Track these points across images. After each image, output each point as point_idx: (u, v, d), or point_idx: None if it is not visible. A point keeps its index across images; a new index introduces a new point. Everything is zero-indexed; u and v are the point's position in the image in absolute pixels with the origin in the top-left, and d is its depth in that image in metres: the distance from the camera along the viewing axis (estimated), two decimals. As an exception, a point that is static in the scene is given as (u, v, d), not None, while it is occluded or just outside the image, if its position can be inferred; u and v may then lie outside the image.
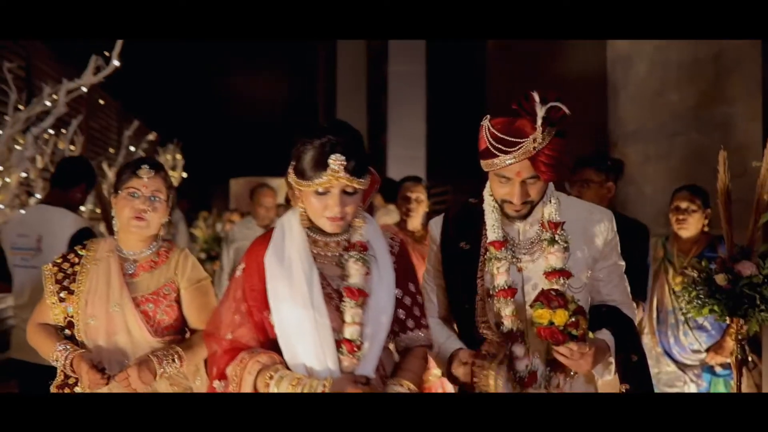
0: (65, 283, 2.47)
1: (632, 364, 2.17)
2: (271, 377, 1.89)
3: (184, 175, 9.21)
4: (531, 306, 2.03)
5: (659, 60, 5.30)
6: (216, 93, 14.23)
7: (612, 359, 2.14)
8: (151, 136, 6.98)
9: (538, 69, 6.08)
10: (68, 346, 2.39)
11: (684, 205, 3.63)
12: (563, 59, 6.14)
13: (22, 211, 3.90)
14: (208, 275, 2.59)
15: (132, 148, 6.07)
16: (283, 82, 14.83)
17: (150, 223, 2.46)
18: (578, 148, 5.70)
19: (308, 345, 1.92)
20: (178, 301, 2.50)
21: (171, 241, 2.67)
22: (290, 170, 1.98)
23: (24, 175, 4.18)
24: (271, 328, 1.98)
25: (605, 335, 2.15)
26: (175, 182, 8.62)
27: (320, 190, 1.92)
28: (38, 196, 4.55)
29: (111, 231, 2.72)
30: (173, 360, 2.38)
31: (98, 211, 5.42)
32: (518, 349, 2.12)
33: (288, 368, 1.94)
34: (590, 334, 2.07)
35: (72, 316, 2.46)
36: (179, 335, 2.51)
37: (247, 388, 1.92)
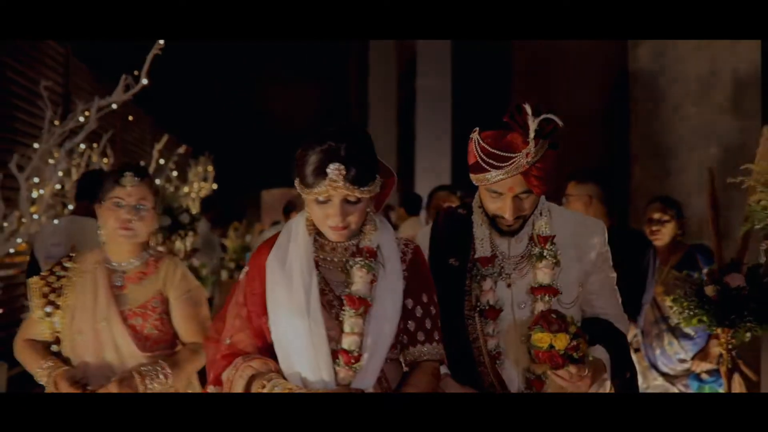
0: (51, 297, 2.36)
1: (626, 380, 2.15)
2: (263, 386, 1.82)
3: (215, 186, 9.43)
4: (530, 329, 1.97)
5: (678, 73, 5.33)
6: (249, 106, 14.47)
7: (607, 377, 2.09)
8: (181, 150, 7.16)
9: (562, 83, 6.14)
10: (51, 364, 2.30)
11: (657, 215, 3.76)
12: (588, 72, 6.19)
13: (56, 221, 4.07)
14: (199, 285, 2.50)
15: (162, 161, 6.26)
16: (315, 95, 15.02)
17: (137, 231, 2.36)
18: (599, 162, 5.76)
19: (303, 354, 1.84)
20: (167, 313, 2.41)
21: (161, 252, 2.57)
22: (295, 174, 1.89)
23: (59, 186, 4.36)
24: (269, 334, 1.91)
25: (601, 353, 2.09)
26: (206, 193, 8.83)
27: (320, 198, 1.83)
28: (71, 207, 4.75)
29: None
30: (158, 376, 2.28)
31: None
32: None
33: (283, 376, 1.86)
34: (590, 356, 2.00)
35: (59, 332, 2.37)
36: (170, 349, 2.42)
37: (238, 392, 1.85)
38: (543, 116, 1.94)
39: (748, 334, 2.37)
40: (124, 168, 2.42)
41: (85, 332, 2.34)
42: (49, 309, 2.37)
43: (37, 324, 2.40)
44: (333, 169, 1.78)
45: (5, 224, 3.91)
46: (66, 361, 2.36)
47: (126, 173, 2.37)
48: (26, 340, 2.42)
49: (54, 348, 2.39)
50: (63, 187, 4.75)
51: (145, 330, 2.36)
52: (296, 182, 1.88)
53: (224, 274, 7.77)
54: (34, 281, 2.41)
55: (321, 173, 1.79)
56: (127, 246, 2.41)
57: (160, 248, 5.39)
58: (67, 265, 2.43)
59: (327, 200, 1.83)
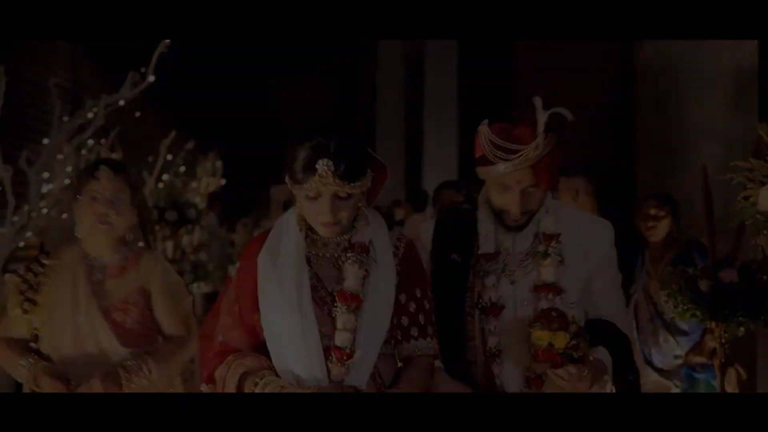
0: (29, 294, 2.32)
1: (628, 382, 2.12)
2: (256, 384, 1.81)
3: (223, 181, 9.48)
4: (530, 326, 1.93)
5: (682, 71, 5.34)
6: (257, 102, 14.53)
7: (608, 378, 2.06)
8: (189, 145, 7.21)
9: (567, 81, 6.15)
10: (31, 360, 2.25)
11: (653, 212, 3.77)
12: (592, 70, 6.20)
13: (65, 216, 4.13)
14: (180, 279, 2.47)
15: (170, 156, 6.31)
16: (324, 92, 15.06)
17: (115, 225, 2.33)
18: (602, 159, 5.77)
19: (295, 351, 1.82)
20: (149, 308, 2.38)
21: (141, 246, 2.53)
22: (286, 171, 1.86)
23: (68, 181, 4.42)
24: (261, 331, 1.89)
25: (603, 355, 2.04)
26: (214, 188, 8.87)
27: (310, 194, 1.81)
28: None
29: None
30: (141, 370, 2.25)
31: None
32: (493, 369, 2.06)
33: (276, 373, 1.84)
34: (590, 356, 1.96)
35: (37, 329, 2.33)
36: (152, 344, 2.39)
37: (230, 390, 1.84)
38: (552, 110, 1.93)
39: (742, 329, 2.39)
40: (100, 162, 2.39)
41: (65, 328, 2.30)
42: (27, 306, 2.33)
43: (15, 322, 2.35)
44: (322, 165, 1.76)
45: (15, 218, 3.97)
46: (46, 358, 2.31)
47: (101, 167, 2.33)
48: (2, 339, 2.37)
49: (32, 346, 2.35)
50: (72, 182, 4.81)
51: (127, 324, 2.33)
52: (287, 178, 1.85)
53: (231, 270, 7.81)
54: (10, 279, 2.38)
55: (310, 169, 1.78)
56: (105, 241, 2.37)
57: (168, 243, 5.46)
58: (45, 261, 2.39)
59: (317, 196, 1.81)
